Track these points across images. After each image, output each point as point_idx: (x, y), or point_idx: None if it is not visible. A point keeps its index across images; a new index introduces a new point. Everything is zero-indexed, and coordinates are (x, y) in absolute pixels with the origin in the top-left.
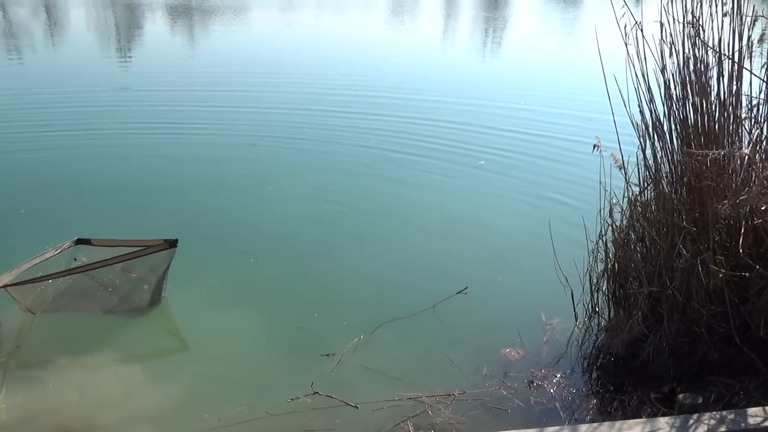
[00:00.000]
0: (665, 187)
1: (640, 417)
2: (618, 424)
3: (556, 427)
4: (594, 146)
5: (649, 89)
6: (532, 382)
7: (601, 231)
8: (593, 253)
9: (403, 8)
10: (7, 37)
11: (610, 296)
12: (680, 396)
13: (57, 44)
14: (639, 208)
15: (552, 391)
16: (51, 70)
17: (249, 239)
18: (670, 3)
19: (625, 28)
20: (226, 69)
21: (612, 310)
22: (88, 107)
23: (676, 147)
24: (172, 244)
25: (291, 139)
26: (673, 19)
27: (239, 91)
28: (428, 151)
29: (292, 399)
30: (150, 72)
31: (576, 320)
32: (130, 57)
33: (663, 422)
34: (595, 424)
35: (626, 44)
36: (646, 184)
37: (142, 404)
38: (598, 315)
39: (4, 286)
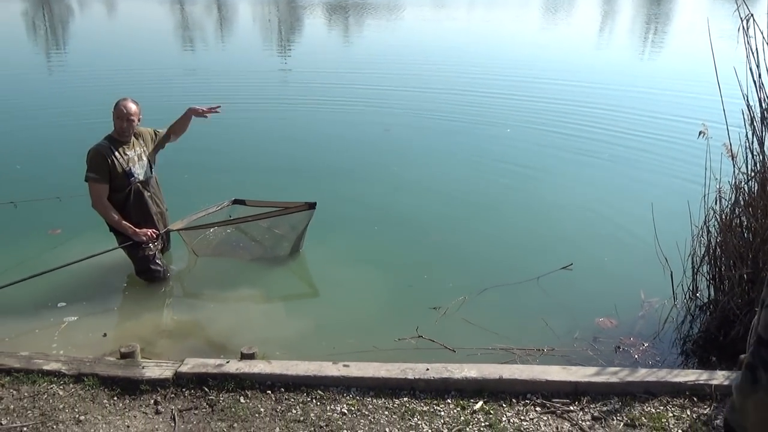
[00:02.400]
0: None
1: None
2: (676, 371)
3: (617, 368)
4: (700, 132)
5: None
6: (619, 347)
7: (706, 217)
8: (697, 237)
9: (558, 4)
10: (183, 30)
11: (709, 279)
12: (742, 356)
13: (225, 36)
14: (744, 195)
15: (637, 356)
16: (219, 57)
17: (376, 209)
18: None
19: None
20: (377, 60)
21: (710, 291)
22: (252, 89)
23: None
24: (311, 206)
25: (425, 125)
26: None
27: (384, 78)
28: (552, 138)
29: (399, 339)
30: (306, 60)
31: (674, 301)
32: (290, 48)
33: (720, 375)
34: (655, 369)
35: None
36: (753, 172)
37: (273, 331)
38: (696, 297)
39: (178, 230)
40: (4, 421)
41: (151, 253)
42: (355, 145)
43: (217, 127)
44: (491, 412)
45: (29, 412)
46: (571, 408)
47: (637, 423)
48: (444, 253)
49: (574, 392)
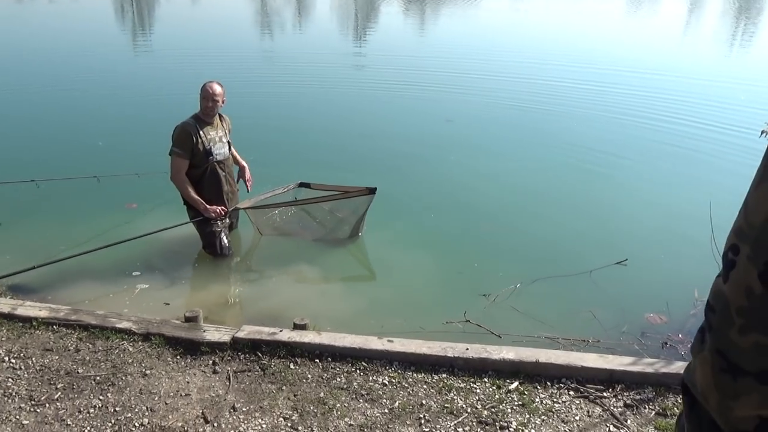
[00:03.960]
0: None
1: None
2: None
3: (653, 359)
4: (762, 132)
5: None
6: (666, 343)
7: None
8: None
9: None
10: (262, 17)
11: None
12: None
13: (303, 23)
14: None
15: (683, 353)
16: (295, 42)
17: (433, 197)
18: None
19: None
20: (450, 49)
21: None
22: (324, 74)
23: None
24: (372, 191)
25: (490, 116)
26: None
27: (454, 68)
28: (619, 131)
29: (446, 322)
30: (379, 48)
31: None
32: (365, 35)
33: None
34: None
35: None
36: None
37: (326, 307)
38: None
39: (245, 209)
40: (80, 370)
41: (218, 229)
42: (417, 133)
43: (286, 109)
44: (525, 392)
45: (102, 364)
46: (605, 394)
47: (668, 413)
48: (497, 242)
49: (609, 380)
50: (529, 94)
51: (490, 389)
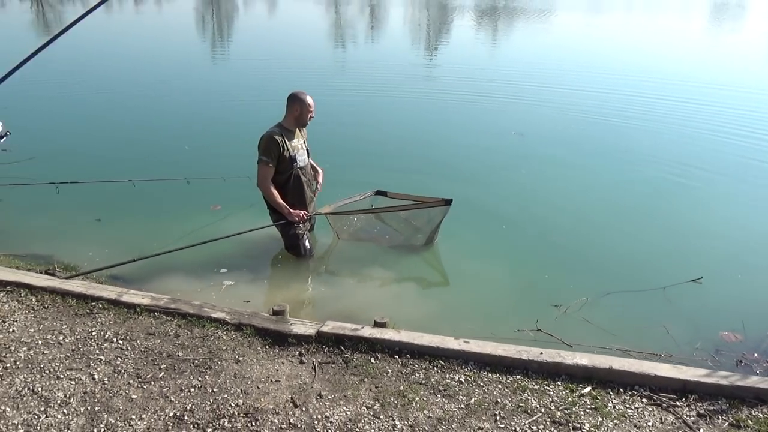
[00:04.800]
0: None
1: None
2: None
3: (728, 372)
4: None
5: None
6: (741, 361)
7: None
8: None
9: (724, 12)
10: (336, 28)
11: None
12: None
13: (375, 35)
14: None
15: (759, 371)
16: (367, 53)
17: (505, 209)
18: None
19: None
20: (522, 64)
21: None
22: (396, 85)
23: None
24: (447, 202)
25: (562, 130)
26: None
27: (526, 82)
28: (700, 148)
29: (517, 330)
30: (451, 60)
31: None
32: (437, 48)
33: None
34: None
35: None
36: None
37: (402, 309)
38: None
39: (325, 214)
40: (180, 354)
41: (300, 231)
42: (487, 145)
43: (359, 117)
44: (598, 397)
45: (199, 349)
46: (678, 403)
47: (742, 425)
48: (569, 255)
49: (682, 389)
50: (601, 108)
51: (564, 392)
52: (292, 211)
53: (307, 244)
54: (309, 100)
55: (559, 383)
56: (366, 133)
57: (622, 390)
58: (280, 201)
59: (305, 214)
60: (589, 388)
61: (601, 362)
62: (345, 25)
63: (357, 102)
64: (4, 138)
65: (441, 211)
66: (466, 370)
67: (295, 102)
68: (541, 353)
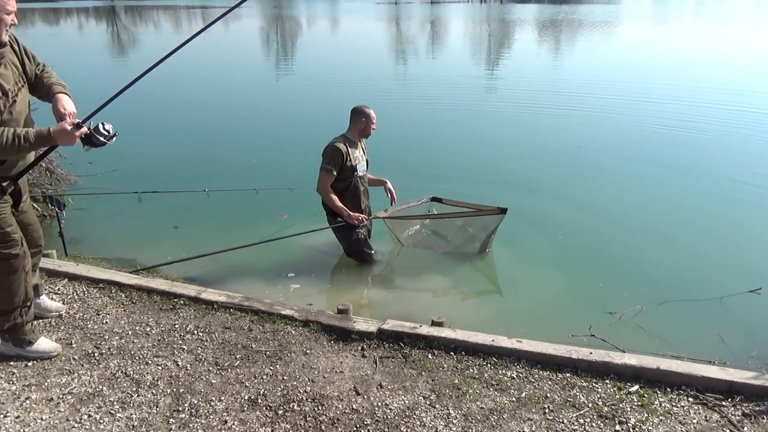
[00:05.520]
0: None
1: None
2: None
3: None
4: None
5: None
6: None
7: None
8: None
9: None
10: (397, 43)
11: None
12: None
13: (436, 49)
14: None
15: None
16: (428, 68)
17: (561, 219)
18: None
19: None
20: (584, 77)
21: None
22: (456, 96)
23: None
24: (503, 211)
25: (621, 142)
26: None
27: (587, 94)
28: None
29: (571, 336)
30: (512, 73)
31: None
32: (498, 61)
33: None
34: None
35: None
36: None
37: (457, 312)
38: None
39: (382, 218)
40: (254, 345)
41: (362, 237)
42: (545, 156)
43: (419, 127)
44: (645, 395)
45: (270, 342)
46: (723, 403)
47: None
48: (625, 264)
49: (729, 390)
50: (663, 119)
51: (611, 389)
52: (351, 213)
53: (368, 249)
54: (372, 113)
55: (607, 381)
56: (426, 145)
57: (669, 389)
58: (340, 204)
59: (364, 217)
60: (636, 387)
61: (649, 362)
62: (406, 41)
63: (417, 115)
64: (114, 138)
65: (496, 219)
66: (518, 367)
67: (360, 115)
68: (591, 353)
